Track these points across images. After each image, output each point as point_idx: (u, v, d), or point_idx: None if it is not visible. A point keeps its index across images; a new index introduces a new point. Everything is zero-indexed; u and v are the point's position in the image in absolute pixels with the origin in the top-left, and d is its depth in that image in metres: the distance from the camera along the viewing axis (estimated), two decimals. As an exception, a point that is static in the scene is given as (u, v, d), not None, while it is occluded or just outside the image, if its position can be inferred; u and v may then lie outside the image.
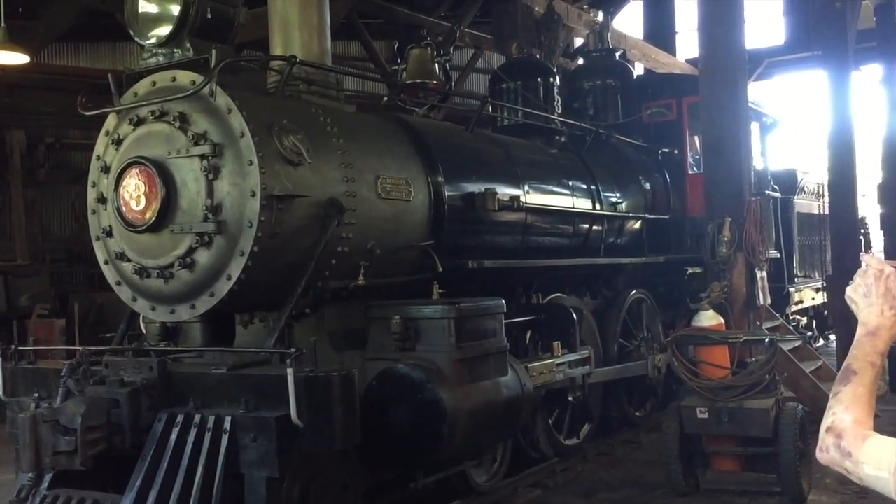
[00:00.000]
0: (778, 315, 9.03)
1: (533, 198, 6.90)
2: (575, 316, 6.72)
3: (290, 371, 3.97)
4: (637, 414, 8.51)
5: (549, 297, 7.31)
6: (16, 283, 13.03)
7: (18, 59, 10.26)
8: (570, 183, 7.65)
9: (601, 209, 7.97)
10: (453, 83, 8.48)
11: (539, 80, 8.53)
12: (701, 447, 6.19)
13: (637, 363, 7.94)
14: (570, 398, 6.84)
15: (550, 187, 7.37)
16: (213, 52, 4.71)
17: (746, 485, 6.28)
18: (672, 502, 6.15)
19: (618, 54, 10.41)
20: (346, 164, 5.13)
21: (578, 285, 7.91)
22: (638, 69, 14.37)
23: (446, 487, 5.84)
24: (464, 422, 4.68)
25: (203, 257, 4.65)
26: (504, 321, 5.32)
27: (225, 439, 4.13)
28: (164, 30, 4.91)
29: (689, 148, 9.73)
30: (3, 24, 9.35)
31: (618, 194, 8.37)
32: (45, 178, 15.05)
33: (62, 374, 4.45)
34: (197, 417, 4.25)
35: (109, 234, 5.00)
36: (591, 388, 7.08)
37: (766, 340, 6.32)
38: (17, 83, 14.18)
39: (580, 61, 11.44)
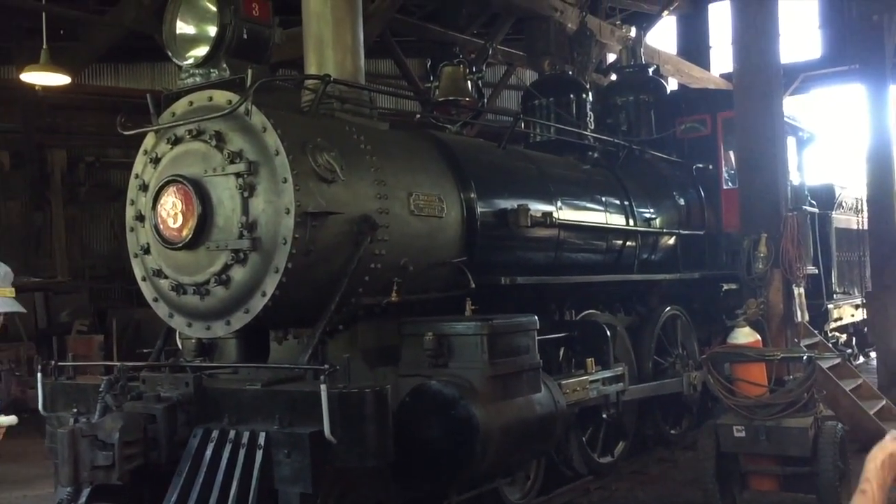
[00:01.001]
0: (816, 332, 8.88)
1: (566, 214, 6.88)
2: (608, 332, 6.67)
3: (323, 387, 3.99)
4: (672, 432, 8.41)
5: (583, 313, 7.28)
6: (56, 299, 13.27)
7: (60, 79, 10.50)
8: (604, 199, 7.62)
9: (635, 225, 7.93)
10: (486, 100, 8.51)
11: (571, 96, 8.54)
12: (738, 466, 6.10)
13: (672, 380, 7.86)
14: (604, 416, 6.79)
15: (583, 203, 7.35)
16: (249, 71, 4.78)
17: (785, 505, 6.18)
18: (709, 522, 6.06)
19: (651, 70, 10.38)
20: (379, 181, 5.16)
21: (612, 302, 7.86)
22: (671, 84, 14.32)
23: (479, 505, 5.82)
24: (497, 439, 4.66)
25: (238, 274, 4.70)
26: (537, 338, 5.30)
27: (259, 455, 4.15)
28: (202, 50, 5.00)
29: (723, 163, 9.65)
30: (45, 46, 9.58)
31: (651, 210, 8.32)
32: (85, 196, 15.36)
33: (100, 389, 4.51)
34: (232, 433, 4.28)
35: (147, 251, 5.08)
36: (626, 405, 7.01)
37: (805, 358, 6.22)
38: (59, 103, 14.52)
39: (613, 77, 11.43)
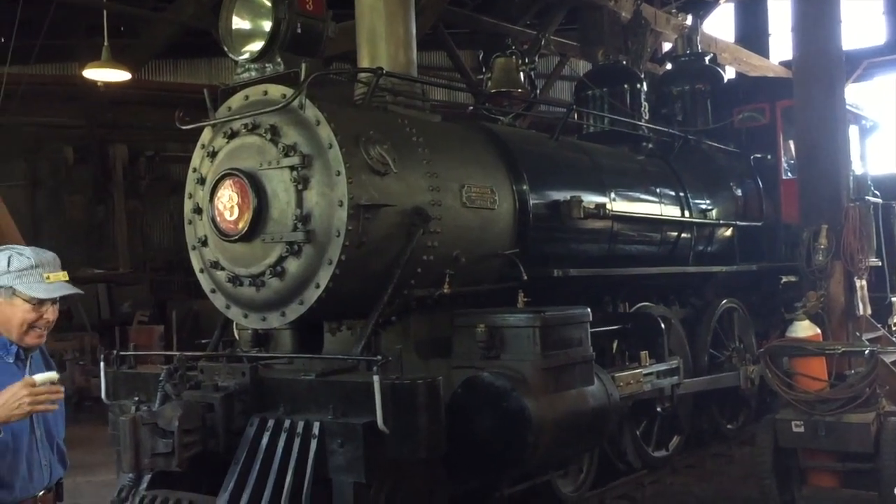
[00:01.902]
0: (879, 326, 8.65)
1: (620, 205, 6.82)
2: (663, 325, 6.60)
3: (376, 378, 4.02)
4: (729, 426, 8.29)
5: (637, 305, 7.21)
6: (118, 290, 13.61)
7: (121, 76, 10.74)
8: (658, 190, 7.53)
9: (690, 216, 7.82)
10: (538, 91, 8.46)
11: (626, 86, 8.44)
12: (797, 462, 5.98)
13: (729, 374, 7.74)
14: (658, 409, 6.72)
15: (638, 195, 7.27)
16: (303, 65, 4.83)
17: (845, 502, 6.04)
18: (766, 518, 5.97)
19: (707, 58, 10.19)
20: (431, 173, 5.18)
21: (666, 294, 7.77)
22: (729, 73, 14.05)
23: (532, 497, 5.82)
24: (549, 431, 4.65)
25: (293, 266, 4.76)
26: (590, 330, 5.27)
27: (313, 444, 4.21)
28: (257, 45, 5.06)
29: (783, 153, 9.45)
30: (106, 44, 9.81)
31: (707, 201, 8.19)
32: (145, 189, 15.71)
33: (160, 378, 4.62)
34: (287, 422, 4.35)
35: (205, 243, 5.18)
36: (681, 399, 6.93)
37: (867, 352, 6.06)
38: (120, 99, 14.86)
39: (668, 66, 11.25)
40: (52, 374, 2.66)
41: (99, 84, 12.33)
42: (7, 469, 2.69)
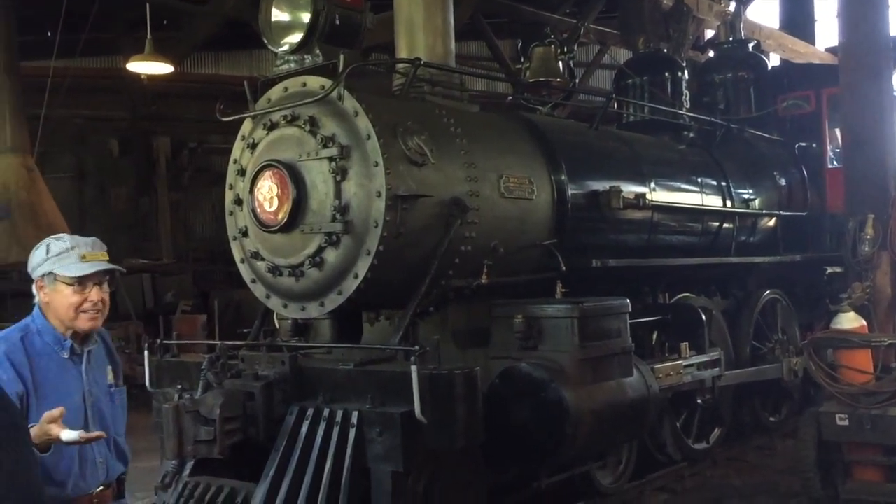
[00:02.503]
0: (928, 317, 8.46)
1: (660, 195, 6.75)
2: (703, 316, 6.53)
3: (413, 368, 4.04)
4: (771, 419, 8.18)
5: (677, 297, 7.14)
6: (162, 280, 13.84)
7: (163, 69, 10.88)
8: (700, 179, 7.44)
9: (732, 206, 7.71)
10: (577, 80, 8.40)
11: (667, 74, 8.33)
12: (841, 455, 5.89)
13: (771, 366, 7.64)
14: (699, 401, 6.67)
15: (678, 184, 7.19)
16: (341, 57, 4.85)
17: (891, 496, 5.92)
18: (809, 512, 5.89)
19: (751, 45, 10.04)
20: (469, 163, 5.17)
21: (708, 285, 7.68)
22: (773, 60, 13.81)
23: (570, 488, 5.81)
24: (587, 422, 4.63)
25: (331, 256, 4.80)
26: (629, 321, 5.23)
27: (352, 433, 4.25)
28: (296, 37, 5.09)
29: (828, 141, 9.27)
30: (149, 37, 9.94)
31: (750, 191, 8.07)
32: (188, 181, 15.94)
33: (202, 367, 4.69)
34: (326, 411, 4.39)
35: (245, 234, 5.24)
36: (722, 391, 6.86)
37: (914, 344, 5.94)
38: (163, 92, 15.06)
39: (711, 54, 11.09)
40: (76, 435, 2.60)
41: (142, 77, 12.51)
42: (59, 467, 2.69)
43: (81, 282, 2.76)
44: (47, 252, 2.79)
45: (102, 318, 2.85)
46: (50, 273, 2.76)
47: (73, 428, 2.67)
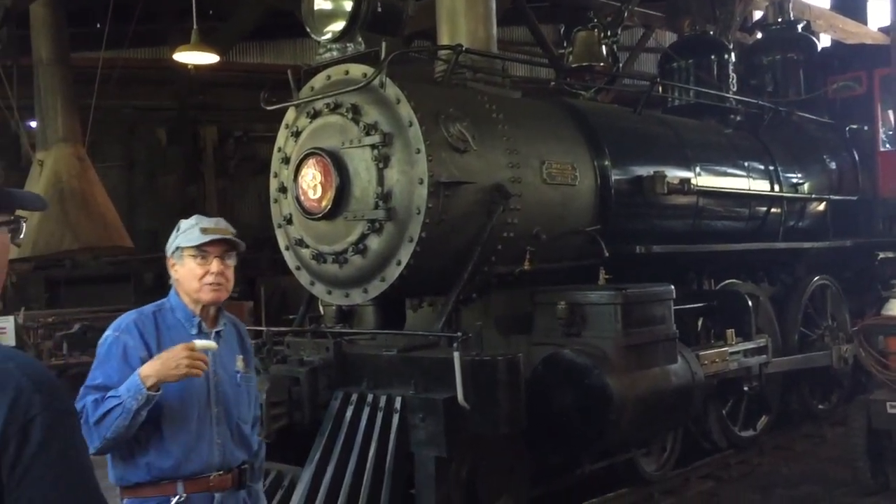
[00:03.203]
0: (984, 304, 8.23)
1: (705, 180, 6.66)
2: (750, 303, 6.44)
3: (456, 354, 4.07)
4: (820, 407, 8.05)
5: (723, 283, 7.06)
6: (209, 267, 14.00)
7: (209, 58, 10.99)
8: (746, 164, 7.33)
9: (780, 191, 7.58)
10: (621, 65, 8.31)
11: (713, 57, 8.21)
12: (891, 444, 5.78)
13: (820, 353, 7.52)
14: (745, 388, 6.59)
15: (724, 169, 7.09)
16: (383, 44, 4.87)
17: (944, 487, 5.82)
18: (858, 501, 5.79)
19: (800, 26, 9.82)
20: (511, 149, 5.16)
21: (755, 271, 7.57)
22: (823, 41, 13.49)
23: (614, 475, 5.80)
24: (631, 409, 4.61)
25: (374, 243, 4.83)
26: (674, 308, 5.19)
27: (396, 419, 4.30)
28: (338, 25, 5.12)
29: (880, 123, 9.05)
30: (195, 27, 10.05)
31: (799, 175, 7.92)
32: (234, 169, 16.12)
33: (249, 352, 4.77)
34: (370, 397, 4.45)
35: (290, 221, 5.30)
36: (769, 378, 6.77)
37: (969, 331, 5.80)
38: (209, 81, 15.23)
39: (758, 35, 10.87)
40: (212, 344, 2.73)
41: (189, 67, 12.67)
42: (166, 433, 2.69)
43: (203, 253, 2.83)
44: (177, 230, 2.90)
45: (225, 293, 2.90)
46: (178, 248, 2.85)
47: (191, 406, 2.72)
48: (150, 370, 2.61)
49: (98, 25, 11.43)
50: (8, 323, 7.91)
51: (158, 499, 2.71)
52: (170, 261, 2.91)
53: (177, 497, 2.69)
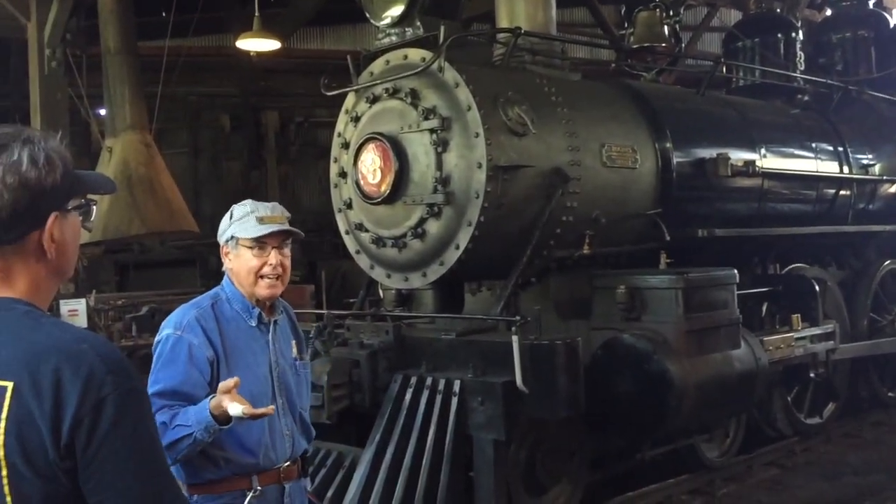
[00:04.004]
0: None
1: (771, 162, 6.51)
2: (817, 287, 6.29)
3: (515, 338, 4.07)
4: (890, 394, 7.82)
5: (789, 267, 6.90)
6: (272, 251, 14.22)
7: (271, 45, 11.11)
8: (814, 145, 7.13)
9: (850, 172, 7.37)
10: (684, 45, 8.16)
11: (779, 35, 7.99)
12: (965, 434, 5.60)
13: (890, 339, 7.31)
14: (811, 375, 6.44)
15: (791, 150, 6.91)
16: (441, 28, 4.87)
17: None
18: (929, 492, 5.64)
19: (871, 2, 9.49)
20: (570, 133, 5.12)
21: (822, 255, 7.38)
22: (897, 16, 12.99)
23: (675, 460, 5.74)
24: (692, 395, 4.56)
25: (433, 227, 4.85)
26: (737, 292, 5.10)
27: (454, 402, 4.32)
28: (397, 10, 5.13)
29: (956, 102, 8.69)
30: (257, 14, 10.17)
31: (870, 156, 7.68)
32: (295, 154, 16.31)
33: (310, 335, 4.85)
34: (429, 380, 4.48)
35: (349, 206, 5.35)
36: (837, 364, 6.61)
37: None
38: (270, 68, 15.42)
39: (828, 12, 10.54)
40: (240, 410, 2.42)
41: (251, 54, 12.83)
42: (251, 436, 2.62)
43: (260, 244, 2.70)
44: (230, 217, 2.77)
45: (282, 286, 2.77)
46: (232, 237, 2.73)
47: (261, 399, 2.60)
48: (214, 402, 2.45)
49: (163, 14, 11.65)
50: (80, 305, 8.17)
51: (233, 494, 2.63)
52: (223, 249, 2.78)
53: (252, 491, 2.63)
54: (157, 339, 2.69)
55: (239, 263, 2.74)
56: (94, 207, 1.62)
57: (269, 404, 2.62)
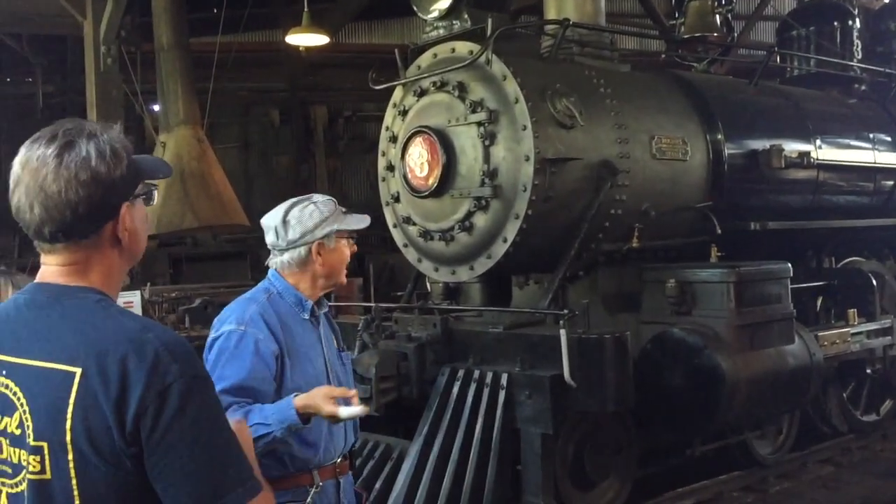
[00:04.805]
0: None
1: (826, 153, 6.37)
2: (875, 281, 6.14)
3: (562, 332, 4.05)
4: (951, 392, 7.61)
5: (845, 261, 6.75)
6: (320, 244, 14.36)
7: (319, 40, 11.19)
8: (872, 136, 6.97)
9: (909, 163, 7.17)
10: (736, 34, 8.01)
11: (836, 23, 7.80)
12: None
13: (951, 335, 7.09)
14: (868, 371, 6.30)
15: (847, 141, 6.76)
16: (489, 20, 4.85)
17: None
18: None
19: (933, -13, 9.20)
20: (619, 125, 5.07)
21: (880, 248, 7.21)
22: (960, 2, 12.57)
23: (726, 457, 5.66)
24: (743, 390, 4.49)
25: (480, 221, 4.84)
26: (791, 286, 5.01)
27: (502, 395, 4.32)
28: (444, 2, 5.13)
29: None
30: (306, 9, 10.26)
31: (930, 146, 7.46)
32: (343, 148, 16.43)
33: (359, 328, 4.89)
34: (476, 373, 4.48)
35: (397, 199, 5.37)
36: (894, 360, 6.44)
37: None
38: (319, 62, 15.54)
39: (886, 0, 10.26)
40: (359, 410, 2.47)
41: (300, 49, 12.95)
42: (313, 431, 2.61)
43: (351, 237, 2.79)
44: (320, 213, 2.75)
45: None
46: (331, 232, 2.74)
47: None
48: (303, 402, 2.44)
49: (215, 11, 11.80)
50: (135, 297, 8.33)
51: (296, 491, 2.63)
52: (314, 245, 2.74)
53: (314, 487, 2.63)
54: (215, 334, 2.67)
55: (335, 257, 2.77)
56: (155, 191, 1.67)
57: None
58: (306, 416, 2.44)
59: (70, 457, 1.40)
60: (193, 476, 1.42)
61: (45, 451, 1.41)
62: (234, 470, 1.47)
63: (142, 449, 1.40)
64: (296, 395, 2.47)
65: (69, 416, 1.39)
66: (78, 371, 1.40)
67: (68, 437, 1.39)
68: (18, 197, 1.50)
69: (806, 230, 6.18)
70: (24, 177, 1.49)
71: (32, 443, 1.42)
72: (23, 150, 1.52)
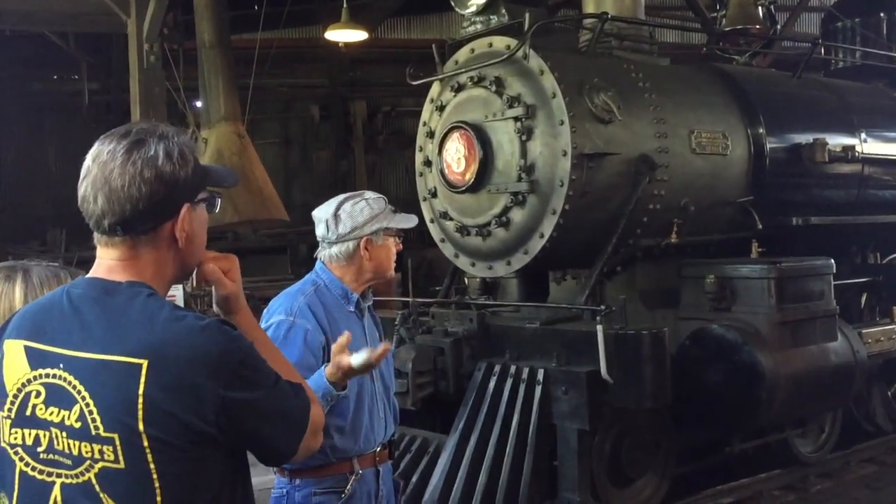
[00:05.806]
0: None
1: (872, 147, 6.25)
2: (921, 278, 6.02)
3: (599, 328, 4.03)
4: None
5: (890, 257, 6.62)
6: (359, 239, 14.44)
7: (359, 35, 11.26)
8: (919, 129, 6.80)
9: (958, 158, 6.99)
10: (779, 26, 7.88)
11: (882, 14, 7.64)
12: None
13: None
14: (914, 369, 6.17)
15: (894, 135, 6.61)
16: (526, 15, 4.83)
17: None
18: None
19: (984, -23, 8.95)
20: (658, 119, 5.03)
21: (927, 244, 7.05)
22: None
23: (766, 455, 5.59)
24: (784, 388, 4.43)
25: (517, 216, 4.84)
26: (834, 283, 4.93)
27: (538, 391, 4.31)
28: (482, -2, 5.12)
29: None
30: (345, 5, 10.31)
31: (980, 140, 7.27)
32: (382, 144, 16.49)
33: (396, 322, 4.92)
34: (512, 368, 4.48)
35: (434, 194, 5.38)
36: (941, 359, 6.31)
37: None
38: (358, 58, 15.62)
39: (936, -12, 10.02)
40: (364, 356, 2.42)
41: (340, 44, 13.02)
42: (353, 417, 2.69)
43: (399, 234, 2.90)
44: (371, 210, 2.83)
45: None
46: (380, 229, 2.83)
47: (363, 384, 2.67)
48: (330, 369, 2.46)
49: (255, 8, 11.92)
50: (178, 291, 8.45)
51: (336, 478, 2.69)
52: (363, 241, 2.81)
53: (354, 475, 2.69)
54: (264, 325, 2.71)
55: (382, 253, 2.86)
56: (219, 200, 1.71)
57: (370, 387, 2.75)
58: (341, 382, 2.47)
59: (145, 444, 1.45)
60: (272, 439, 1.58)
61: (117, 442, 1.45)
62: (294, 401, 1.61)
63: (219, 428, 1.48)
64: (325, 366, 2.50)
65: (141, 406, 1.44)
66: (144, 363, 1.45)
67: (141, 427, 1.44)
68: (85, 187, 1.55)
69: (850, 225, 6.08)
70: (93, 168, 1.54)
71: (103, 434, 1.46)
72: (96, 144, 1.57)
